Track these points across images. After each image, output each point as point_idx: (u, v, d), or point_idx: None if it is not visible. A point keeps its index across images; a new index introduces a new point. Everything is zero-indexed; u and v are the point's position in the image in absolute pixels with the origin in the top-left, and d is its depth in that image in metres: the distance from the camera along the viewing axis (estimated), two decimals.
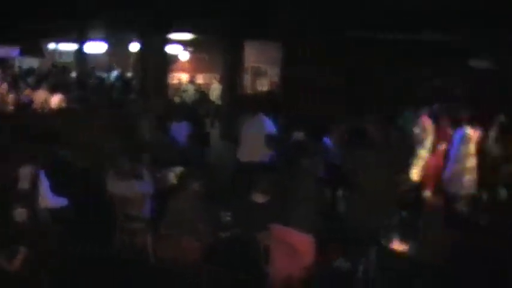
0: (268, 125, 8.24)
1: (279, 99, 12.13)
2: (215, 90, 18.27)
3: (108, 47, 21.04)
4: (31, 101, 12.09)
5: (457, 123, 9.59)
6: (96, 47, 20.19)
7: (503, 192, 8.48)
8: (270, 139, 8.03)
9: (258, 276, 5.80)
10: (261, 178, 6.12)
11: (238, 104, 12.86)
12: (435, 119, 9.89)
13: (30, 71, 18.57)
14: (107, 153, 7.71)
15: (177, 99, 16.81)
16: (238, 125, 10.14)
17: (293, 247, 5.53)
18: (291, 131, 8.57)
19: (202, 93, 18.54)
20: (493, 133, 8.74)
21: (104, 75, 19.69)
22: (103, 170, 6.90)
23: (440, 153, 9.87)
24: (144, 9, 10.37)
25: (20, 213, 5.82)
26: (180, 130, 9.79)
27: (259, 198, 6.06)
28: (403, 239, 7.12)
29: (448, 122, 9.76)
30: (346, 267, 5.51)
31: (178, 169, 7.41)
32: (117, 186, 6.49)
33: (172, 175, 7.53)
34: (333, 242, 6.43)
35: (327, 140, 7.76)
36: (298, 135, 8.15)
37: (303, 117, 9.90)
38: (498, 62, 11.10)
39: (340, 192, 7.24)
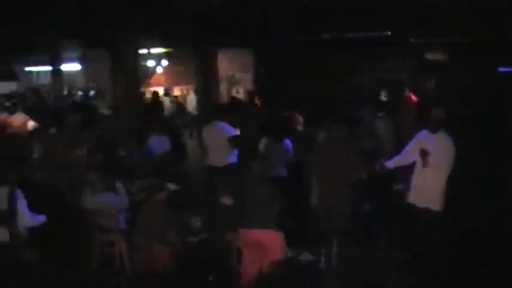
0: (227, 128, 8.58)
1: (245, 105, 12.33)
2: (192, 101, 18.52)
3: (83, 66, 21.28)
4: (8, 125, 12.27)
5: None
6: (71, 67, 20.45)
7: None
8: (232, 139, 8.38)
9: (229, 276, 6.10)
10: (227, 181, 6.42)
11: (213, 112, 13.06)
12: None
13: (6, 95, 18.78)
14: (82, 169, 7.90)
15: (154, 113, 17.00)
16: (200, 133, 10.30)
17: (262, 245, 5.81)
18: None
19: (179, 105, 18.78)
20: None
21: (80, 93, 19.96)
22: (78, 186, 7.11)
23: None
24: (115, 24, 10.55)
25: (0, 233, 6.11)
26: (159, 144, 10.02)
27: (226, 200, 6.37)
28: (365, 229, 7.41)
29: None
30: (310, 259, 5.80)
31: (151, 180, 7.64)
32: (92, 201, 6.71)
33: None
34: (298, 237, 6.72)
35: (288, 142, 8.08)
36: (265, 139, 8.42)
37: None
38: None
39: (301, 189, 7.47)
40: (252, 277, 5.84)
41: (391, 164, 7.10)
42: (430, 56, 11.13)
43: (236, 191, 6.23)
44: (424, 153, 6.38)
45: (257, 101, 12.41)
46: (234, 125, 8.83)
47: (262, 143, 8.15)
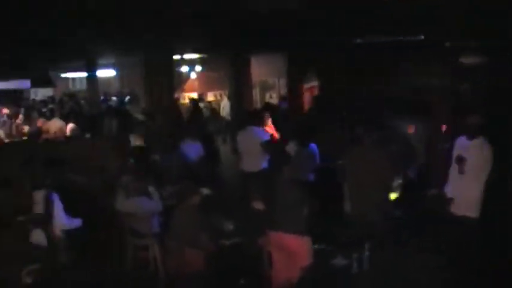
0: (260, 134, 8.62)
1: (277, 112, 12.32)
2: (225, 107, 18.60)
3: (118, 72, 21.58)
4: (45, 131, 12.53)
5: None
6: (106, 73, 20.76)
7: None
8: (265, 144, 8.37)
9: (260, 279, 6.12)
10: (260, 186, 6.43)
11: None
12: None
13: (43, 101, 19.23)
14: (116, 173, 8.00)
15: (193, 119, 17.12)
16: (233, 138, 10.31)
17: (290, 250, 5.81)
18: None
19: (212, 110, 18.89)
20: None
21: (115, 99, 20.27)
22: (112, 190, 7.21)
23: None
24: (150, 31, 10.68)
25: (37, 235, 6.24)
26: (193, 149, 10.07)
27: (258, 205, 6.38)
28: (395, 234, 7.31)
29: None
30: (343, 264, 5.77)
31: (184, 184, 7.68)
32: (125, 205, 6.79)
33: None
34: (330, 241, 6.70)
35: (314, 146, 8.07)
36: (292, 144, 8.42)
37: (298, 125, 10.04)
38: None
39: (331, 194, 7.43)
40: (283, 281, 5.84)
41: (449, 190, 6.71)
42: (465, 60, 10.97)
43: (268, 195, 6.24)
44: (460, 160, 6.17)
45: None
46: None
47: (290, 148, 8.17)
